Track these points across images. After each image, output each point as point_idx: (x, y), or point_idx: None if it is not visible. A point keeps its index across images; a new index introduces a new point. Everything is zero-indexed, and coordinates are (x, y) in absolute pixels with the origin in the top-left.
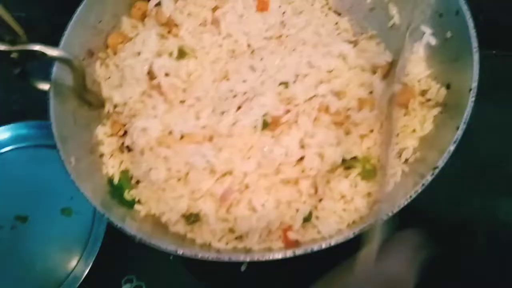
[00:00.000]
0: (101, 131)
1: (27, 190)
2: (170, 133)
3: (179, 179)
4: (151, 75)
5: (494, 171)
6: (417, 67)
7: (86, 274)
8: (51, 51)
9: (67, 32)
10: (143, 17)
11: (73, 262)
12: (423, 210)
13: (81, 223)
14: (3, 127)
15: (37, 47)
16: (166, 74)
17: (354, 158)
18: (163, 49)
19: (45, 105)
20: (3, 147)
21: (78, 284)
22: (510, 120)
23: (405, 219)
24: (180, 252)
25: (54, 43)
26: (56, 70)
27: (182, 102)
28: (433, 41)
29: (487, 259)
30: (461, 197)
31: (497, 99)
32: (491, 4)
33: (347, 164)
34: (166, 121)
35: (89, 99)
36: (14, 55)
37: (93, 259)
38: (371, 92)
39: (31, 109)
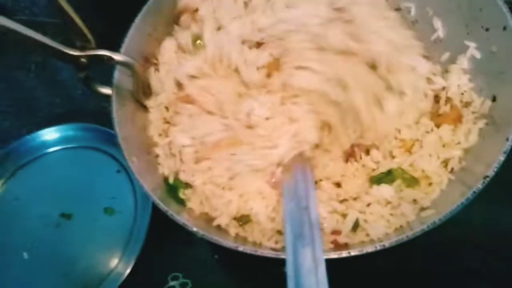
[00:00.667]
0: (156, 133)
1: (72, 189)
2: (202, 143)
3: (223, 188)
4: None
5: None
6: (461, 79)
7: (131, 271)
8: (118, 56)
9: (127, 40)
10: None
11: (115, 260)
12: None
13: (123, 222)
14: (50, 129)
15: (105, 52)
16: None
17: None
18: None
19: (87, 109)
20: (51, 147)
21: (121, 281)
22: None
23: None
24: (241, 248)
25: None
26: (117, 75)
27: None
28: (477, 55)
29: None
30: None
31: None
32: None
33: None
34: (192, 133)
35: (146, 103)
36: (83, 60)
37: (136, 257)
38: None
39: (74, 112)
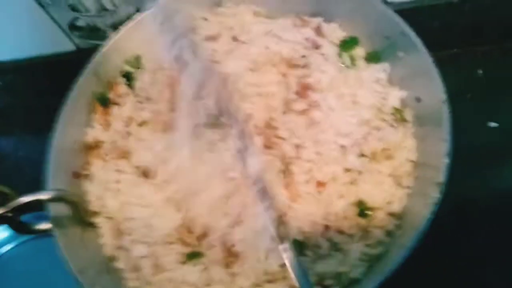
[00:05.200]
0: (112, 248)
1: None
2: None
3: None
4: None
5: None
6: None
7: None
8: (43, 196)
9: (49, 166)
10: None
11: None
12: None
13: None
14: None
15: (29, 198)
16: None
17: None
18: None
19: None
20: (4, 246)
21: None
22: None
23: None
24: None
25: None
26: (51, 207)
27: None
28: (386, 66)
29: None
30: None
31: None
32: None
33: None
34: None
35: (90, 220)
36: (8, 214)
37: None
38: None
39: None
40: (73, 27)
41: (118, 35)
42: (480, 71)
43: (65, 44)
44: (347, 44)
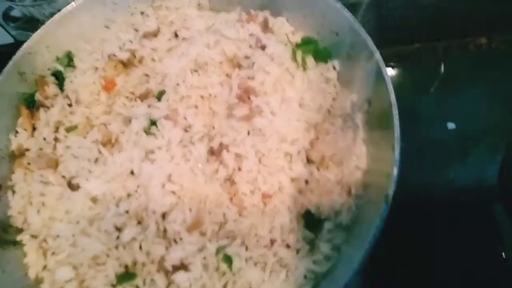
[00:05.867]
0: (38, 269)
1: None
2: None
3: None
4: None
5: None
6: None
7: None
8: None
9: None
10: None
11: None
12: None
13: None
14: None
15: None
16: None
17: None
18: None
19: None
20: None
21: None
22: None
23: None
24: None
25: None
26: None
27: None
28: (336, 64)
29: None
30: None
31: None
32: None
33: None
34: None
35: (12, 238)
36: None
37: None
38: None
39: None
40: (7, 17)
41: (45, 28)
42: (442, 67)
43: (0, 36)
44: (304, 45)
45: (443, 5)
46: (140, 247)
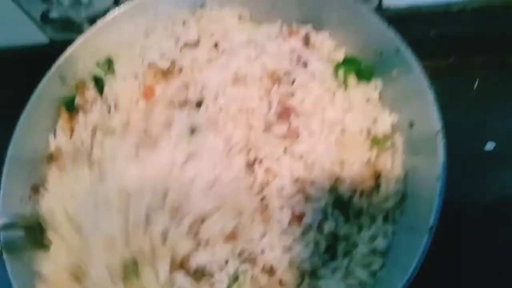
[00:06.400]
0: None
1: None
2: None
3: None
4: None
5: None
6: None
7: None
8: None
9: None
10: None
11: None
12: None
13: None
14: None
15: None
16: None
17: None
18: None
19: None
20: None
21: None
22: None
23: None
24: None
25: None
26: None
27: None
28: (378, 84)
29: None
30: None
31: None
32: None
33: None
34: None
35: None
36: None
37: None
38: None
39: None
40: (45, 19)
41: (87, 34)
42: (476, 82)
43: (37, 37)
44: (347, 64)
45: (479, 19)
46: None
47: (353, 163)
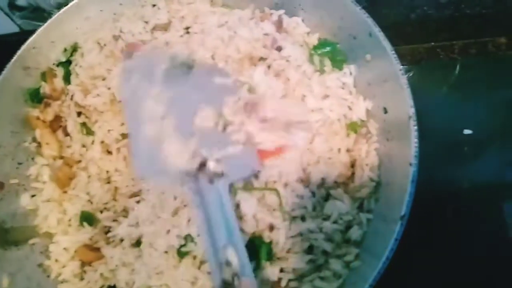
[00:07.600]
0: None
1: None
2: None
3: None
4: None
5: None
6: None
7: None
8: None
9: None
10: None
11: None
12: None
13: None
14: None
15: None
16: None
17: None
18: None
19: None
20: None
21: None
22: None
23: None
24: None
25: None
26: None
27: None
28: (352, 69)
29: None
30: None
31: None
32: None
33: None
34: None
35: (14, 238)
36: None
37: None
38: None
39: None
40: (13, 6)
41: (49, 22)
42: (457, 67)
43: (6, 25)
44: (321, 47)
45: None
46: None
47: (339, 152)
